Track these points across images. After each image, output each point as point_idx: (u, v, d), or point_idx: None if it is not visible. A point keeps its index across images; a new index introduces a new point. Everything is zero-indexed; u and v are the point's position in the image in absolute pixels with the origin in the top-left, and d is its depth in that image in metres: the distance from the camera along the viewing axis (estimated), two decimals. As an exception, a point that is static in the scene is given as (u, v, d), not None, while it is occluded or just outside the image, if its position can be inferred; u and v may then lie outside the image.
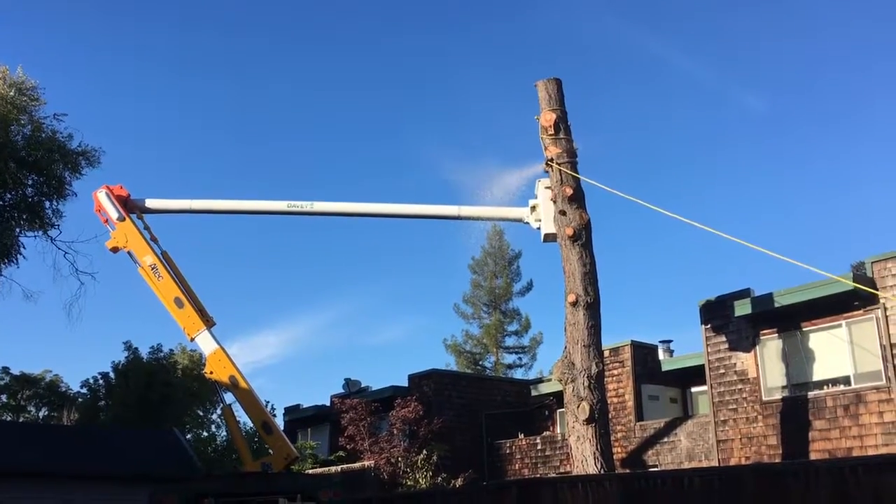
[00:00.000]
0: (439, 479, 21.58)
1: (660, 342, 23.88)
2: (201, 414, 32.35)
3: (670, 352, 23.81)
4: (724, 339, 18.76)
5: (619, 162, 61.80)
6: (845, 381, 16.65)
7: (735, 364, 18.45)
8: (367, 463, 22.89)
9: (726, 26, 66.09)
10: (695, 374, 21.06)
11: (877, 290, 15.61)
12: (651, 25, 68.93)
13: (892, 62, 59.17)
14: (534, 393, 26.02)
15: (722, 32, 68.50)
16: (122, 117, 71.21)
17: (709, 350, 19.10)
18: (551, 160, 15.14)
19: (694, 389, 23.02)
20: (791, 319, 17.52)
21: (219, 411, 28.27)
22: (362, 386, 29.31)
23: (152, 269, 15.95)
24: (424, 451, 22.12)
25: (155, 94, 73.05)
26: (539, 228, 15.47)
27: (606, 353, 20.91)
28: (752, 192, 67.20)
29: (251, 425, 17.71)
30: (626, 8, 69.94)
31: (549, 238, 15.28)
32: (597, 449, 13.65)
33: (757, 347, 18.12)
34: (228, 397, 16.26)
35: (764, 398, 17.77)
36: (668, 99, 69.99)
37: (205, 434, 30.44)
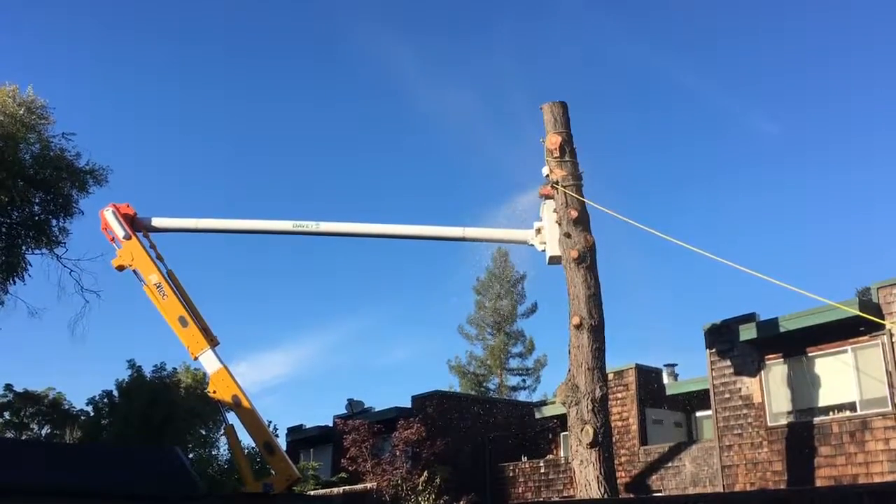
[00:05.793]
0: (441, 501, 21.44)
1: (664, 366, 23.82)
2: (204, 433, 32.21)
3: (675, 376, 23.72)
4: (729, 363, 18.67)
5: (631, 183, 61.98)
6: (851, 407, 16.55)
7: (740, 389, 18.34)
8: (369, 485, 22.75)
9: (740, 50, 66.51)
10: (699, 399, 20.97)
11: (883, 315, 15.54)
12: (667, 49, 69.37)
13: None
14: (537, 415, 25.89)
15: (735, 57, 68.90)
16: (125, 134, 71.60)
17: (713, 374, 19.01)
18: (556, 183, 15.16)
19: (698, 414, 22.91)
20: (797, 344, 17.43)
21: (221, 430, 28.17)
22: (365, 407, 29.21)
23: (157, 287, 15.96)
24: (427, 473, 21.99)
25: (157, 111, 73.49)
26: (544, 251, 15.46)
27: (611, 377, 20.84)
28: (762, 215, 67.26)
29: (254, 445, 17.65)
30: (642, 32, 70.43)
31: (554, 261, 15.25)
32: (600, 473, 13.53)
33: (762, 372, 18.03)
34: (231, 417, 16.22)
35: (769, 423, 17.65)
36: (680, 121, 70.34)
37: (206, 454, 30.30)
